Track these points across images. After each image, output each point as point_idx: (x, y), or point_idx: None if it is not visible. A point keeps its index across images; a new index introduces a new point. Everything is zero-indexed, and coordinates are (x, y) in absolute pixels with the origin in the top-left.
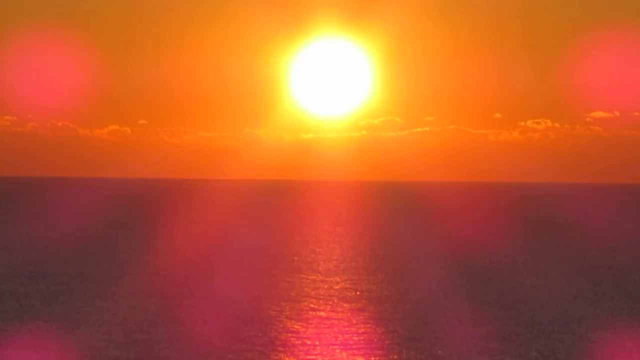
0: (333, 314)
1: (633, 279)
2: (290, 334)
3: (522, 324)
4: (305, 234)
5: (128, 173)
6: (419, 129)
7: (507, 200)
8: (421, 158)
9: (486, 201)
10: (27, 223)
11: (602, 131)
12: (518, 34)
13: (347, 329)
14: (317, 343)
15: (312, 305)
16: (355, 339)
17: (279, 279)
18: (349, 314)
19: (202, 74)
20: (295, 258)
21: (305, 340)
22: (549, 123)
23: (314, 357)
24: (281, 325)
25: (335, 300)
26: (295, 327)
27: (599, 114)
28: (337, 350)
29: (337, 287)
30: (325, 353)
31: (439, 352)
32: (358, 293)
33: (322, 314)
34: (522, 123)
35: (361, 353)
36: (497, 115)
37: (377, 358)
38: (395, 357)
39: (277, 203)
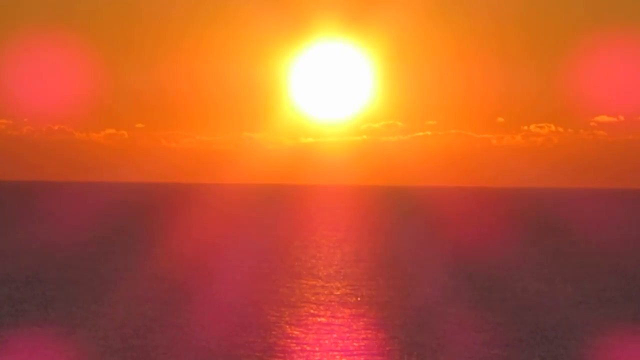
0: (333, 319)
1: (638, 285)
2: (289, 340)
3: (525, 330)
4: (305, 239)
5: (125, 177)
6: (421, 133)
7: (510, 206)
8: (423, 163)
9: (489, 206)
10: (22, 228)
11: (607, 136)
12: (521, 37)
13: (348, 335)
14: (317, 349)
15: (312, 311)
16: (356, 345)
17: (278, 284)
18: (349, 320)
19: (200, 77)
20: (295, 263)
21: (305, 346)
22: (553, 127)
23: None
24: (281, 331)
25: (336, 306)
26: (295, 333)
27: (603, 118)
28: (338, 357)
29: (337, 293)
30: (325, 359)
31: (441, 358)
32: (359, 299)
33: (322, 319)
34: (525, 127)
35: (362, 359)
36: (500, 119)
37: None
38: None
39: (276, 208)
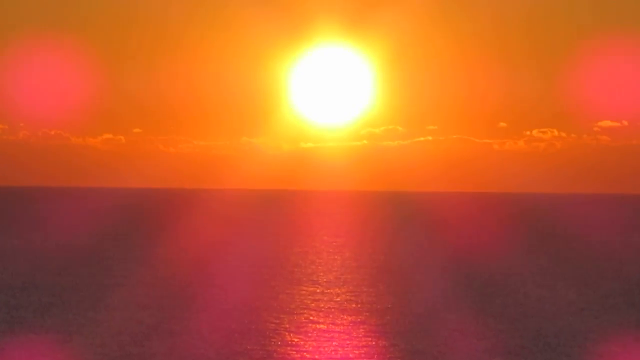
0: (333, 326)
1: None
2: (289, 348)
3: (527, 337)
4: (305, 245)
5: (122, 183)
6: (422, 138)
7: (512, 211)
8: (424, 168)
9: (490, 212)
10: (19, 233)
11: (610, 141)
12: (523, 41)
13: (348, 342)
14: (317, 357)
15: (312, 318)
16: (356, 352)
17: (278, 290)
18: (349, 327)
19: (198, 81)
20: (295, 269)
21: (305, 354)
22: (555, 132)
23: None
24: (280, 339)
25: (336, 313)
26: (295, 340)
27: (606, 123)
28: None
29: (337, 299)
30: None
31: None
32: (359, 305)
33: (322, 326)
34: (528, 132)
35: None
36: (502, 124)
37: None
38: None
39: (275, 213)
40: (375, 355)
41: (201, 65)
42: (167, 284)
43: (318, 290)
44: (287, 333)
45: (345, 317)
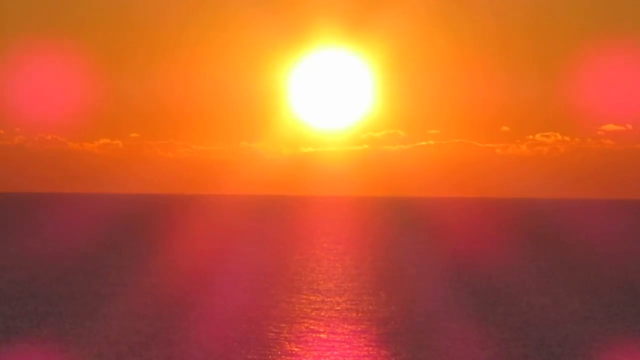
0: (334, 335)
1: None
2: (289, 357)
3: (530, 346)
4: (305, 252)
5: (120, 188)
6: (423, 143)
7: (515, 217)
8: (425, 173)
9: (493, 218)
10: (15, 241)
11: (614, 145)
12: (526, 43)
13: (349, 351)
14: None
15: (312, 327)
16: None
17: (277, 299)
18: (350, 336)
19: (196, 85)
20: (295, 277)
21: None
22: (559, 136)
23: None
24: (280, 348)
25: (336, 322)
26: (295, 349)
27: (610, 126)
28: None
29: (338, 308)
30: None
31: None
32: (360, 314)
33: (323, 335)
34: (531, 136)
35: None
36: (505, 128)
37: None
38: None
39: (275, 220)
40: None
41: (199, 68)
42: (165, 293)
43: (318, 299)
44: (287, 342)
45: (346, 326)
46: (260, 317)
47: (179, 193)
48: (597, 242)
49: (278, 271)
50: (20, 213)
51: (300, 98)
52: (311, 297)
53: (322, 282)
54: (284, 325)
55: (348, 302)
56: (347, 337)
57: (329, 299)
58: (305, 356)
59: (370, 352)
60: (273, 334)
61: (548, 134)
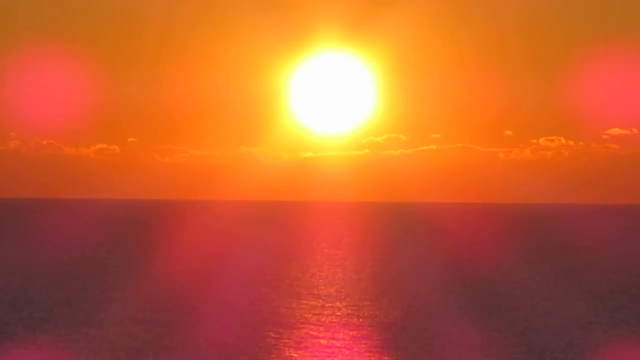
0: (334, 341)
1: None
2: None
3: (534, 352)
4: (305, 258)
5: (116, 194)
6: (425, 147)
7: (518, 222)
8: (427, 178)
9: (496, 223)
10: (10, 246)
11: (619, 149)
12: (529, 46)
13: (349, 357)
14: None
15: (312, 333)
16: None
17: (277, 304)
18: (351, 342)
19: (195, 89)
20: (295, 282)
21: None
22: (563, 141)
23: None
24: (280, 354)
25: (337, 327)
26: (295, 355)
27: (615, 131)
28: None
29: (338, 313)
30: None
31: None
32: (361, 319)
33: (323, 341)
34: (534, 141)
35: None
36: (508, 132)
37: None
38: None
39: (275, 225)
40: None
41: (198, 72)
42: (163, 298)
43: (319, 304)
44: (286, 348)
45: (347, 332)
46: (259, 322)
47: (177, 199)
48: (602, 247)
49: (278, 276)
50: (16, 219)
51: (300, 102)
52: (311, 303)
53: (322, 288)
54: (283, 330)
55: (349, 308)
56: (348, 342)
57: (329, 305)
58: None
59: (372, 358)
60: (273, 340)
61: (552, 138)
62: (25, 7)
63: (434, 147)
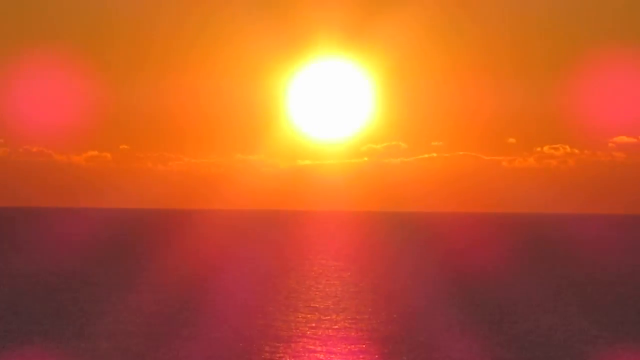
0: (332, 355)
1: None
2: None
3: None
4: (302, 269)
5: (108, 203)
6: (426, 155)
7: (521, 233)
8: (428, 187)
9: (499, 233)
10: None
11: (626, 158)
12: (534, 51)
13: None
14: None
15: (309, 346)
16: None
17: (273, 317)
18: (349, 356)
19: (189, 95)
20: (292, 295)
21: None
22: (568, 149)
23: None
24: None
25: (335, 341)
26: None
27: (622, 139)
28: None
29: (336, 327)
30: None
31: None
32: (359, 333)
33: (320, 355)
34: (538, 149)
35: None
36: (511, 140)
37: None
38: None
39: (271, 235)
40: None
41: (192, 77)
42: (156, 311)
43: (316, 317)
44: None
45: (345, 346)
46: (255, 336)
47: (171, 208)
48: (607, 258)
49: (274, 288)
50: (4, 228)
51: (297, 109)
52: (308, 316)
53: (320, 300)
54: (279, 344)
55: (347, 321)
56: (345, 356)
57: (327, 317)
58: None
59: None
60: (269, 354)
61: (557, 146)
62: (15, 12)
63: (434, 155)
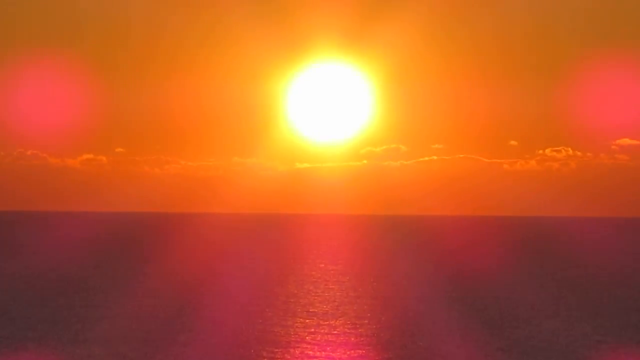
0: None
1: None
2: None
3: None
4: (301, 273)
5: (104, 206)
6: (426, 158)
7: (523, 236)
8: (428, 190)
9: (500, 237)
10: None
11: (629, 160)
12: (535, 53)
13: None
14: None
15: (308, 352)
16: None
17: (272, 322)
18: None
19: (186, 97)
20: (290, 299)
21: None
22: (570, 151)
23: None
24: None
25: (334, 346)
26: None
27: (625, 141)
28: None
29: (335, 332)
30: None
31: None
32: (358, 338)
33: None
34: (540, 151)
35: None
36: (513, 142)
37: None
38: None
39: (269, 239)
40: None
41: (189, 80)
42: (152, 316)
43: (314, 322)
44: None
45: (344, 351)
46: (253, 341)
47: (167, 211)
48: (610, 262)
49: (272, 293)
50: None
51: (296, 111)
52: (307, 321)
53: (318, 305)
54: (277, 349)
55: (346, 326)
56: None
57: (325, 323)
58: None
59: None
60: (266, 359)
61: (559, 148)
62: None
63: (435, 157)
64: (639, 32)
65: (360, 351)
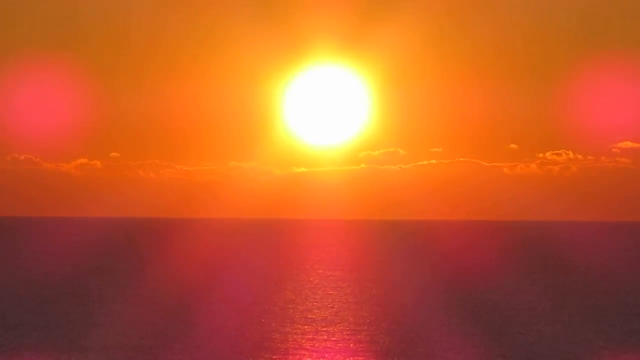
0: None
1: None
2: None
3: None
4: (299, 279)
5: (98, 212)
6: (425, 162)
7: (523, 241)
8: (427, 194)
9: (500, 242)
10: None
11: (630, 163)
12: (536, 55)
13: None
14: None
15: (306, 359)
16: None
17: (270, 329)
18: None
19: (182, 101)
20: (288, 306)
21: None
22: (571, 154)
23: None
24: None
25: (332, 353)
26: None
27: (626, 144)
28: None
29: (334, 339)
30: None
31: None
32: (357, 345)
33: None
34: (541, 155)
35: None
36: (513, 146)
37: None
38: None
39: (266, 244)
40: None
41: (185, 84)
42: (148, 322)
43: (313, 329)
44: None
45: (343, 358)
46: (250, 348)
47: (163, 216)
48: (612, 267)
49: (270, 299)
50: None
51: (293, 115)
52: (305, 327)
53: (317, 311)
54: (276, 356)
55: (345, 333)
56: None
57: (324, 329)
58: None
59: None
60: None
61: (559, 151)
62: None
63: (434, 161)
64: None
65: (360, 358)
